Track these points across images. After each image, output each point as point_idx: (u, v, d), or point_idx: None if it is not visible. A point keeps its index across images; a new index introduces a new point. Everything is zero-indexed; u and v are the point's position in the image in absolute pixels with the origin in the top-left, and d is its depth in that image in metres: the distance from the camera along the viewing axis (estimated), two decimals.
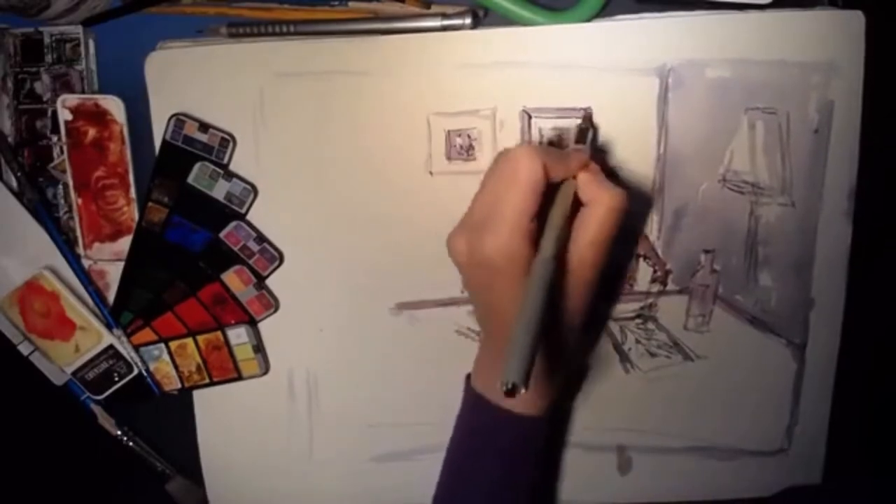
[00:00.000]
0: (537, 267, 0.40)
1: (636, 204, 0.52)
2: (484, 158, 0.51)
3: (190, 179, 0.52)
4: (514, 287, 0.41)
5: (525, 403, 0.45)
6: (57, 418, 0.57)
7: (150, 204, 0.52)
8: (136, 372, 0.55)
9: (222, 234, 0.53)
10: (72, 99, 0.52)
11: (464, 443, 0.48)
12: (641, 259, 0.53)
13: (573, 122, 0.51)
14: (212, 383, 0.55)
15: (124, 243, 0.54)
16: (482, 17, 0.51)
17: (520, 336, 0.36)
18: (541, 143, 0.51)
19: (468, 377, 0.49)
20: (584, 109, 0.50)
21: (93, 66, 0.53)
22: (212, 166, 0.52)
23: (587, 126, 0.49)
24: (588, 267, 0.42)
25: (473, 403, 0.47)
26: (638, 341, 0.54)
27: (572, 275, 0.42)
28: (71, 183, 0.53)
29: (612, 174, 0.51)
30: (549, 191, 0.43)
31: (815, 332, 0.53)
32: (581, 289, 0.43)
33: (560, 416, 0.55)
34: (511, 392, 0.34)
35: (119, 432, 0.57)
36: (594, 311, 0.46)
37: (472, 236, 0.42)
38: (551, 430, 0.49)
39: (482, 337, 0.47)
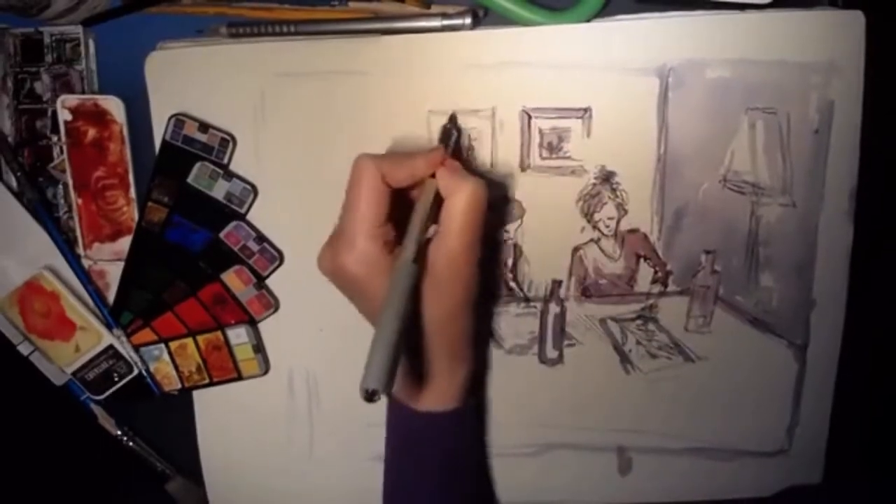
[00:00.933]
0: (395, 270, 0.40)
1: (638, 204, 0.52)
2: (484, 159, 0.51)
3: (190, 179, 0.52)
4: (380, 292, 0.41)
5: (426, 400, 0.46)
6: (57, 418, 0.57)
7: (150, 204, 0.52)
8: (136, 372, 0.55)
9: (222, 234, 0.53)
10: (71, 99, 0.52)
11: (387, 440, 0.50)
12: (642, 260, 0.53)
13: (573, 122, 0.51)
14: (212, 383, 0.55)
15: (124, 243, 0.54)
16: (482, 17, 0.50)
17: (378, 341, 0.36)
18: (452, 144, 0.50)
19: None
20: (454, 114, 0.51)
21: (93, 66, 0.53)
22: (211, 166, 0.52)
23: (451, 126, 0.50)
24: (458, 260, 0.42)
25: (389, 402, 0.49)
26: (639, 342, 0.54)
27: (445, 270, 0.43)
28: (71, 183, 0.53)
29: (467, 169, 0.49)
30: (406, 194, 0.44)
31: (817, 333, 0.53)
32: (457, 282, 0.43)
33: (560, 416, 0.55)
34: (370, 397, 0.34)
35: (119, 432, 0.57)
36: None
37: (331, 250, 0.44)
38: (463, 425, 0.49)
39: None
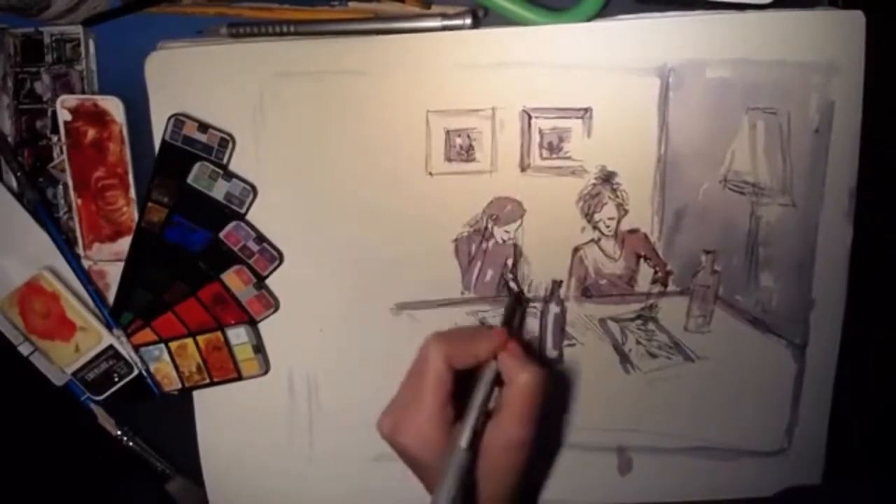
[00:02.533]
0: (449, 456, 0.41)
1: (638, 204, 0.52)
2: (484, 159, 0.51)
3: (189, 179, 0.52)
4: (435, 466, 0.42)
5: None
6: (57, 418, 0.57)
7: (149, 204, 0.52)
8: (136, 372, 0.55)
9: (222, 234, 0.53)
10: (71, 99, 0.52)
11: None
12: (642, 260, 0.53)
13: (573, 122, 0.51)
14: (212, 383, 0.55)
15: (124, 243, 0.54)
16: (482, 17, 0.50)
17: None
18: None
19: None
20: (518, 292, 0.52)
21: (93, 66, 0.53)
22: (211, 166, 0.52)
23: (514, 305, 0.51)
24: (514, 447, 0.43)
25: None
26: (638, 342, 0.54)
27: (500, 455, 0.43)
28: (70, 183, 0.53)
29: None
30: (470, 374, 0.45)
31: (816, 333, 0.53)
32: (511, 468, 0.44)
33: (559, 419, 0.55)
34: None
35: (119, 432, 0.57)
36: None
37: (393, 422, 0.45)
38: None
39: None
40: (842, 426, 0.54)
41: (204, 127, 0.51)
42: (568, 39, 0.50)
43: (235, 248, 0.53)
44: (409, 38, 0.50)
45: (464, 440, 0.42)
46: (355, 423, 0.56)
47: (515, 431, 0.43)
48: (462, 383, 0.45)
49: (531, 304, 0.54)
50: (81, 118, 0.52)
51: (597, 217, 0.52)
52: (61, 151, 0.53)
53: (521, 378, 0.43)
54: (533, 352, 0.46)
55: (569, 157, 0.51)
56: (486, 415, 0.44)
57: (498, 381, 0.45)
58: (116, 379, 0.55)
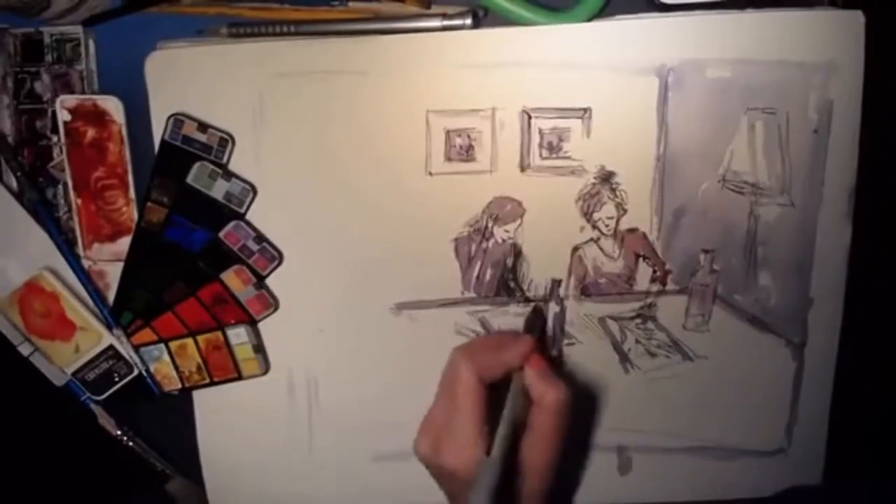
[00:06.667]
0: (481, 469, 0.41)
1: (637, 203, 0.52)
2: (484, 158, 0.52)
3: (189, 179, 0.52)
4: (470, 479, 0.42)
5: None
6: (57, 418, 0.57)
7: (149, 204, 0.52)
8: (136, 372, 0.55)
9: (222, 234, 0.53)
10: (70, 99, 0.52)
11: None
12: (641, 259, 0.53)
13: (573, 122, 0.51)
14: (212, 383, 0.55)
15: (124, 243, 0.54)
16: (482, 17, 0.51)
17: None
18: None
19: None
20: (537, 305, 0.53)
21: (93, 66, 0.53)
22: (211, 166, 0.52)
23: (535, 317, 0.51)
24: (536, 460, 0.43)
25: None
26: (638, 341, 0.54)
27: (525, 466, 0.43)
28: (70, 183, 0.53)
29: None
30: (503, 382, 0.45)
31: (815, 332, 0.53)
32: (532, 478, 0.44)
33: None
34: None
35: (119, 432, 0.57)
36: None
37: (432, 443, 0.44)
38: None
39: None
40: (842, 426, 0.54)
41: (203, 127, 0.51)
42: (568, 39, 0.50)
43: (235, 248, 0.53)
44: (409, 38, 0.50)
45: (498, 451, 0.42)
46: (355, 423, 0.56)
47: (542, 455, 0.43)
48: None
49: (531, 303, 0.54)
50: (81, 118, 0.52)
51: (596, 216, 0.52)
52: (61, 151, 0.53)
53: (549, 397, 0.43)
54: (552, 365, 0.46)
55: (568, 157, 0.51)
56: (520, 425, 0.44)
57: (525, 395, 0.44)
58: (116, 379, 0.55)
